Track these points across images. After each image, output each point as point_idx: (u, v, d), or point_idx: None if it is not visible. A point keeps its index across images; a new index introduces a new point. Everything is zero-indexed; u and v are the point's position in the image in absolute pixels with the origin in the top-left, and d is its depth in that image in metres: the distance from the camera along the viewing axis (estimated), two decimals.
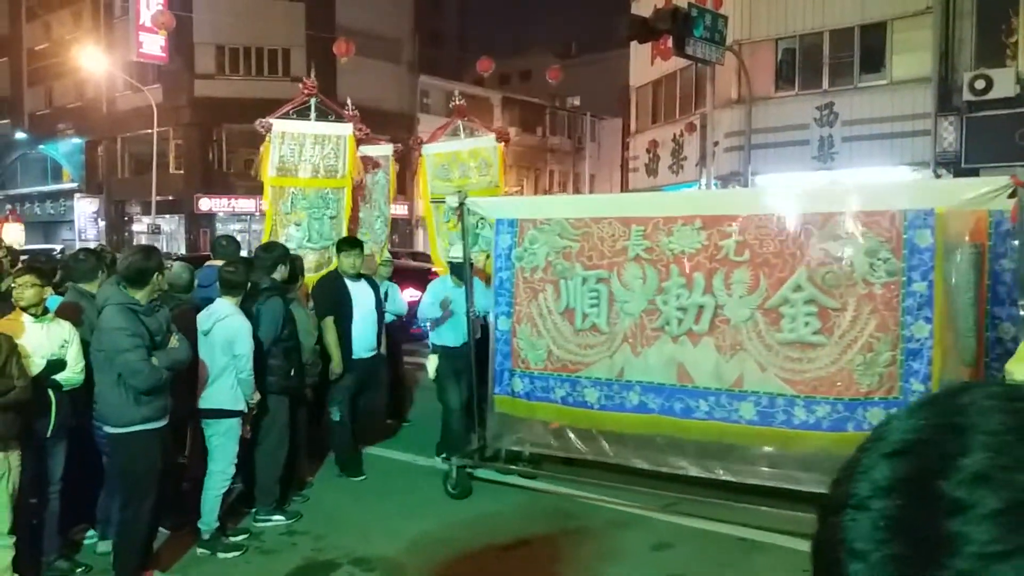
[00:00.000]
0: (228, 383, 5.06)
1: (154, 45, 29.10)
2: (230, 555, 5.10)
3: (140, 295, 4.43)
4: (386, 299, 7.90)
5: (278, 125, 7.37)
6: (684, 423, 5.35)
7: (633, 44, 19.39)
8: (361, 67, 21.40)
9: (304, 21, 29.94)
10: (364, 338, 6.56)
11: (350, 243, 6.67)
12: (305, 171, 7.39)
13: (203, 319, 5.12)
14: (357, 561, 5.04)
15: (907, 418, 0.54)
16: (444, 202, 7.53)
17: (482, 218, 7.23)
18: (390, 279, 8.30)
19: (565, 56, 43.05)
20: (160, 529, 5.06)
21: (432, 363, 6.81)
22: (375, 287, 6.83)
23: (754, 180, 16.12)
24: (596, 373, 5.65)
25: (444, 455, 6.78)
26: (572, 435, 5.89)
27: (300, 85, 7.66)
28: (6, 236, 23.99)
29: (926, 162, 14.35)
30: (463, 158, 8.14)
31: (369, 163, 8.01)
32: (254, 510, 5.69)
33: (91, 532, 5.19)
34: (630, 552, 5.20)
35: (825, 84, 16.07)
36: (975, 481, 0.48)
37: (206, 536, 5.12)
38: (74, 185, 36.22)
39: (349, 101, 8.12)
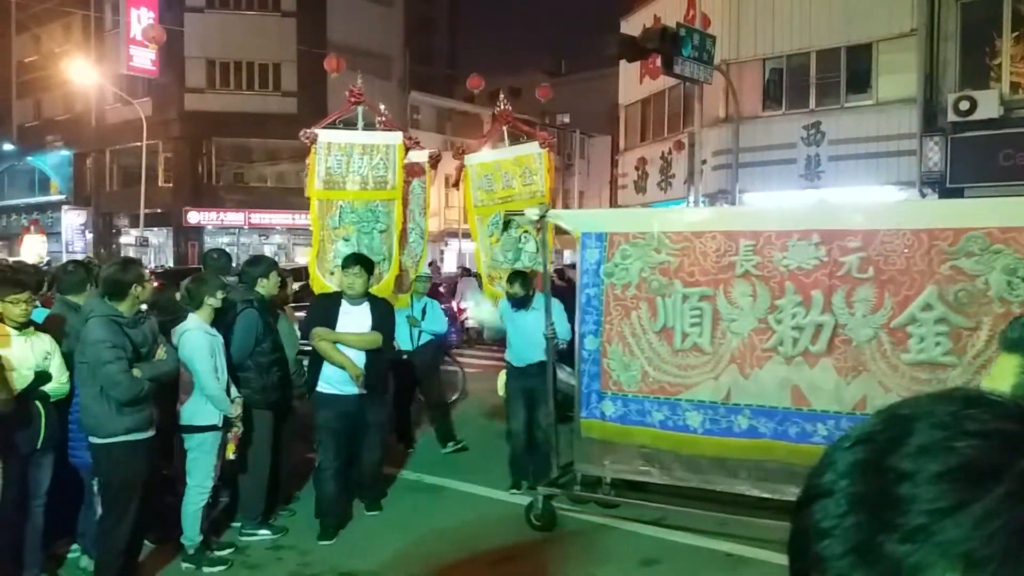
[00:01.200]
0: (199, 398, 5.02)
1: (144, 59, 29.11)
2: (215, 569, 5.06)
3: (123, 307, 4.45)
4: (423, 317, 7.83)
5: (323, 136, 6.93)
6: (800, 448, 4.98)
7: (622, 63, 19.54)
8: (351, 83, 21.39)
9: (295, 36, 30.01)
10: (342, 372, 5.69)
11: (352, 259, 5.91)
12: (353, 183, 6.96)
13: (175, 334, 5.10)
14: None
15: (866, 421, 0.61)
16: (496, 216, 7.36)
17: (526, 231, 7.08)
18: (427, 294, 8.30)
19: (555, 74, 43.35)
20: (145, 543, 5.03)
21: (501, 381, 6.72)
22: (382, 316, 5.87)
23: (741, 198, 16.24)
24: (699, 396, 5.33)
25: (515, 486, 6.61)
26: (670, 461, 5.49)
27: (347, 93, 7.16)
28: (28, 249, 23.87)
29: (912, 182, 14.48)
30: (506, 167, 7.50)
31: (414, 170, 7.51)
32: (239, 524, 5.65)
33: (74, 546, 5.13)
34: (618, 567, 5.19)
35: (812, 104, 16.23)
36: (919, 453, 0.55)
37: (190, 551, 5.07)
38: (62, 197, 36.06)
39: (383, 107, 7.78)
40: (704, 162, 16.72)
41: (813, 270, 4.99)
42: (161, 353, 4.60)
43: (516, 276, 6.63)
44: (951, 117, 13.77)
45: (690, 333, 5.34)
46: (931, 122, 14.29)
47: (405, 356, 7.84)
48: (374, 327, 5.74)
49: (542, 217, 5.88)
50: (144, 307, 6.01)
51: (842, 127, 15.56)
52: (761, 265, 5.11)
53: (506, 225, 7.22)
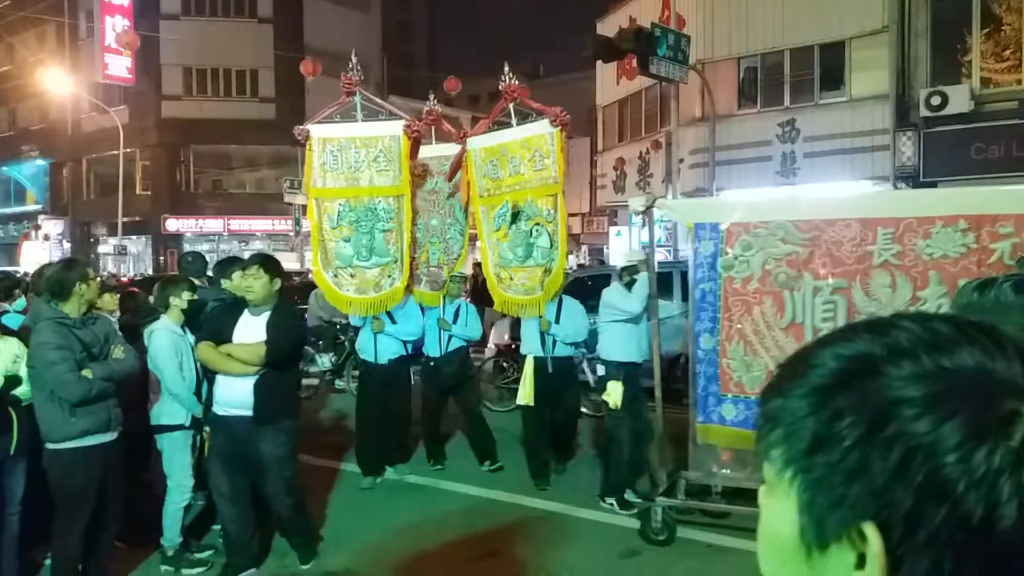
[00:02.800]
0: (166, 397, 5.01)
1: (120, 66, 28.93)
2: (194, 571, 5.05)
3: (68, 308, 4.35)
4: (455, 320, 7.25)
5: (315, 131, 6.42)
6: None
7: (599, 64, 19.64)
8: (329, 87, 21.41)
9: (272, 42, 29.95)
10: (233, 389, 4.75)
11: (253, 259, 5.00)
12: (351, 180, 6.40)
13: (146, 336, 5.10)
14: (325, 575, 5.02)
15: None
16: (503, 207, 6.55)
17: (537, 223, 6.38)
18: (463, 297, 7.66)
19: (534, 77, 43.33)
20: (120, 545, 5.00)
21: (617, 391, 5.98)
22: (276, 324, 4.79)
23: (719, 196, 16.34)
24: None
25: (609, 497, 6.11)
26: None
27: (341, 84, 6.58)
28: (28, 256, 23.51)
29: (886, 176, 14.65)
30: (514, 150, 6.49)
31: (418, 169, 6.90)
32: (218, 526, 5.62)
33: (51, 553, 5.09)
34: (599, 560, 5.21)
35: (786, 101, 16.38)
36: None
37: (169, 552, 5.05)
38: (39, 207, 35.75)
39: (432, 97, 7.27)
40: (681, 161, 16.83)
41: (960, 258, 4.63)
42: (118, 352, 4.53)
43: (630, 269, 6.26)
44: (923, 112, 13.96)
45: (822, 329, 4.90)
46: (904, 117, 14.48)
47: (432, 363, 7.34)
48: (267, 338, 4.74)
49: (648, 208, 5.35)
50: (115, 310, 6.00)
51: (817, 124, 15.72)
52: (901, 254, 4.77)
53: (514, 217, 6.50)
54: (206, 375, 5.02)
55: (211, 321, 5.01)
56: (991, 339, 0.60)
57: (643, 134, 20.02)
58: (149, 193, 31.02)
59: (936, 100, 13.77)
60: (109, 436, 4.47)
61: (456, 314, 7.30)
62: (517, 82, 6.57)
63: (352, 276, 6.51)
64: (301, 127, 6.54)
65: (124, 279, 18.79)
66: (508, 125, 6.61)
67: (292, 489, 4.94)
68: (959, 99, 13.64)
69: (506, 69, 6.60)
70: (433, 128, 7.39)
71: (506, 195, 6.55)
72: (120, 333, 4.88)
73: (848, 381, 0.61)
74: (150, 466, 5.57)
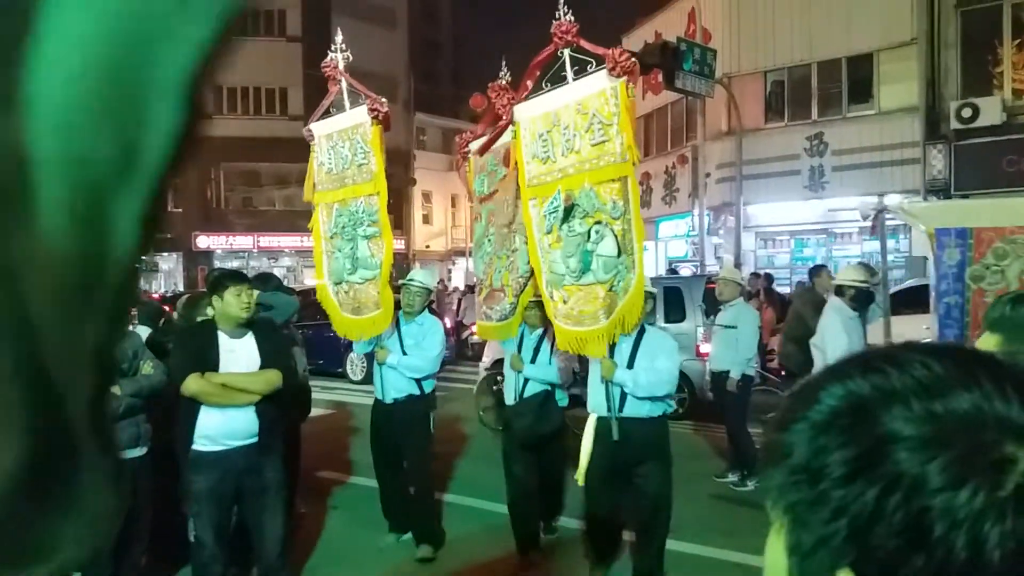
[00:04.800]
0: None
1: None
2: None
3: None
4: (535, 358, 5.55)
5: (316, 129, 5.85)
6: None
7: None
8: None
9: (301, 60, 30.37)
10: (232, 420, 4.25)
11: (229, 277, 4.38)
12: (339, 180, 5.70)
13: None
14: None
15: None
16: (555, 198, 4.74)
17: (598, 222, 4.52)
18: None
19: None
20: (150, 560, 5.05)
21: None
22: (272, 345, 4.42)
23: (746, 211, 16.26)
24: None
25: None
26: None
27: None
28: None
29: (916, 190, 14.50)
30: (567, 118, 4.66)
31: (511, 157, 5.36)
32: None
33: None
34: None
35: (814, 115, 16.29)
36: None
37: None
38: None
39: (504, 67, 5.68)
40: (708, 175, 16.80)
41: None
42: (147, 368, 4.56)
43: (863, 269, 5.77)
44: (954, 124, 13.82)
45: None
46: (934, 130, 14.34)
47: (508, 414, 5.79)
48: (265, 363, 4.31)
49: (879, 212, 4.80)
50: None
51: (845, 137, 15.61)
52: None
53: (567, 213, 4.70)
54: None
55: (184, 351, 4.40)
56: (993, 378, 0.56)
57: (669, 148, 20.01)
58: (180, 210, 31.48)
59: (967, 112, 13.63)
60: (138, 451, 4.53)
61: (537, 349, 5.56)
62: (572, 21, 4.61)
63: (347, 293, 5.74)
64: (307, 128, 5.99)
65: (155, 295, 19.10)
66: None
67: (289, 516, 4.59)
68: (990, 111, 13.49)
69: (561, 2, 4.69)
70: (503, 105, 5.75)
71: (558, 181, 4.77)
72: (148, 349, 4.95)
73: (842, 420, 0.59)
74: (181, 482, 5.64)
